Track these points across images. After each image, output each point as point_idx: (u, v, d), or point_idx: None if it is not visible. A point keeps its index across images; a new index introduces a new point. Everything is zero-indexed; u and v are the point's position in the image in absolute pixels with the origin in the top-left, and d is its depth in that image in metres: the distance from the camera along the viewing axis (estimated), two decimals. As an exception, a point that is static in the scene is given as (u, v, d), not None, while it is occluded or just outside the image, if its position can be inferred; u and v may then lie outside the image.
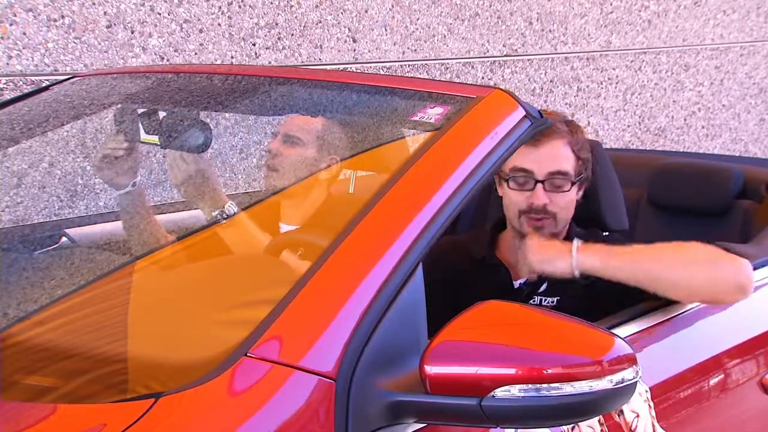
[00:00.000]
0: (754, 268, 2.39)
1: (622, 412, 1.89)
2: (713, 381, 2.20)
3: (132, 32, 3.65)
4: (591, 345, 1.56)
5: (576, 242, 2.17)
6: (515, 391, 1.50)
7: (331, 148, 2.45)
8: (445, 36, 4.81)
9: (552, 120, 2.32)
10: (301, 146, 2.45)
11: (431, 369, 1.51)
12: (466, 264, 2.48)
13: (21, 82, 3.37)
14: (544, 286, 2.37)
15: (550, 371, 1.50)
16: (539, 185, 2.32)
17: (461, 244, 2.56)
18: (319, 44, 4.27)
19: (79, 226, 2.83)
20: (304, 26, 4.21)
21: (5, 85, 3.34)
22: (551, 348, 1.53)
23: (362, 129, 2.36)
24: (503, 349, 1.53)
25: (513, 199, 2.35)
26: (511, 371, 1.50)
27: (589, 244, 2.17)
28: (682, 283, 2.12)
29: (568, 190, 2.34)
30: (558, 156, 2.33)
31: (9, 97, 3.05)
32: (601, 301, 2.24)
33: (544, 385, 1.50)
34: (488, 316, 1.59)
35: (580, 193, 2.40)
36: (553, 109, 2.39)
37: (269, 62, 4.09)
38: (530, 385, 1.50)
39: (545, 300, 2.38)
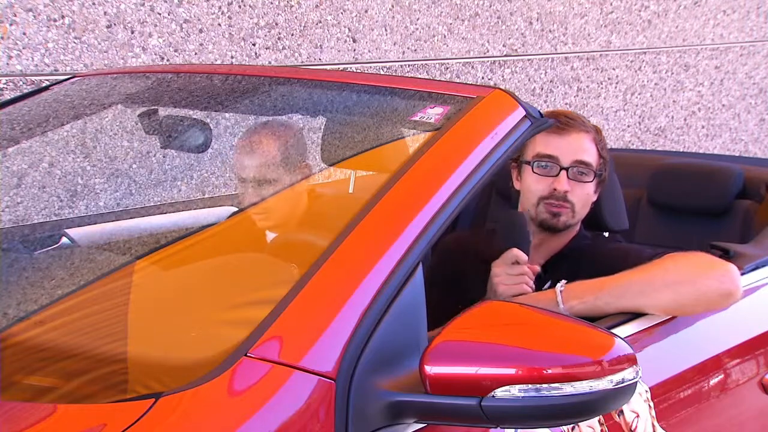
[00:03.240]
0: (755, 268, 2.40)
1: (622, 412, 1.89)
2: (713, 381, 2.20)
3: (132, 32, 3.65)
4: (591, 345, 1.56)
5: (558, 288, 2.13)
6: (515, 391, 1.50)
7: (298, 157, 2.43)
8: (445, 36, 4.81)
9: (577, 117, 2.40)
10: (276, 184, 2.39)
11: (431, 369, 1.51)
12: (471, 262, 2.48)
13: (21, 82, 3.37)
14: (548, 285, 2.38)
15: (550, 371, 1.50)
16: (563, 172, 2.34)
17: (467, 242, 2.57)
18: (319, 44, 4.27)
19: (79, 226, 2.83)
20: (304, 26, 4.21)
21: (5, 85, 3.34)
22: (551, 348, 1.53)
23: (362, 129, 2.36)
24: (503, 349, 1.53)
25: (533, 186, 2.38)
26: (511, 371, 1.50)
27: (571, 287, 2.12)
28: (669, 306, 2.11)
29: (590, 182, 2.37)
30: (583, 147, 2.36)
31: (9, 97, 3.05)
32: None
33: (544, 385, 1.50)
34: (488, 316, 1.59)
35: (596, 194, 2.43)
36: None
37: (269, 62, 4.09)
38: (530, 385, 1.50)
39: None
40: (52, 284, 2.12)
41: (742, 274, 2.32)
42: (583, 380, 1.51)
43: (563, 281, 2.16)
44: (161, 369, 1.60)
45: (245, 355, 1.48)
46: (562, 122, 2.35)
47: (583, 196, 2.37)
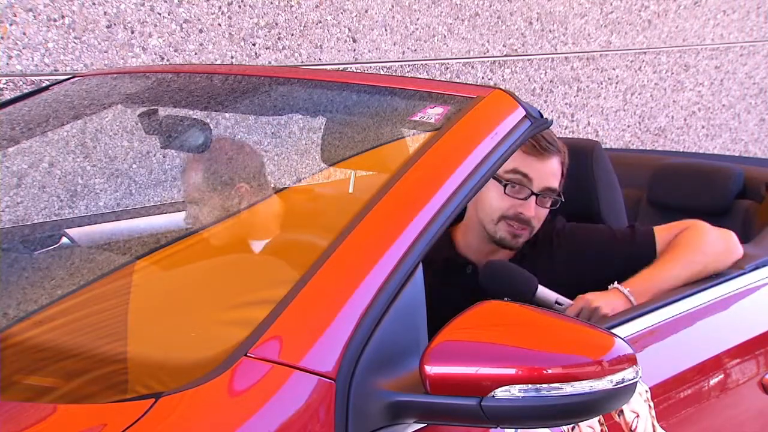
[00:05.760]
0: (755, 268, 2.41)
1: (622, 412, 1.89)
2: (713, 381, 2.21)
3: (132, 32, 3.65)
4: (591, 345, 1.55)
5: (620, 287, 2.23)
6: (515, 391, 1.50)
7: (234, 179, 2.40)
8: (445, 36, 4.81)
9: (554, 138, 2.38)
10: (204, 205, 2.38)
11: (431, 369, 1.51)
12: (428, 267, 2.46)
13: (21, 82, 3.37)
14: None
15: (550, 371, 1.50)
16: (533, 198, 2.33)
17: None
18: (319, 44, 4.27)
19: (79, 226, 2.83)
20: (304, 26, 4.21)
21: (5, 85, 3.34)
22: (551, 348, 1.53)
23: (362, 129, 2.35)
24: (503, 349, 1.53)
25: (497, 201, 2.35)
26: (511, 371, 1.50)
27: (634, 286, 2.24)
28: (698, 276, 2.28)
29: (550, 206, 2.38)
30: (555, 173, 2.37)
31: (9, 97, 3.05)
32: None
33: (544, 386, 1.50)
34: (488, 316, 1.59)
35: None
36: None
37: (269, 62, 4.09)
38: (530, 385, 1.50)
39: None
40: (52, 284, 2.12)
41: (743, 274, 2.34)
42: (583, 380, 1.51)
43: (615, 282, 2.23)
44: (161, 369, 1.60)
45: (245, 355, 1.48)
46: (542, 146, 2.33)
47: (542, 217, 2.38)
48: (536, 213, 2.35)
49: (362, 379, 1.51)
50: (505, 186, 2.33)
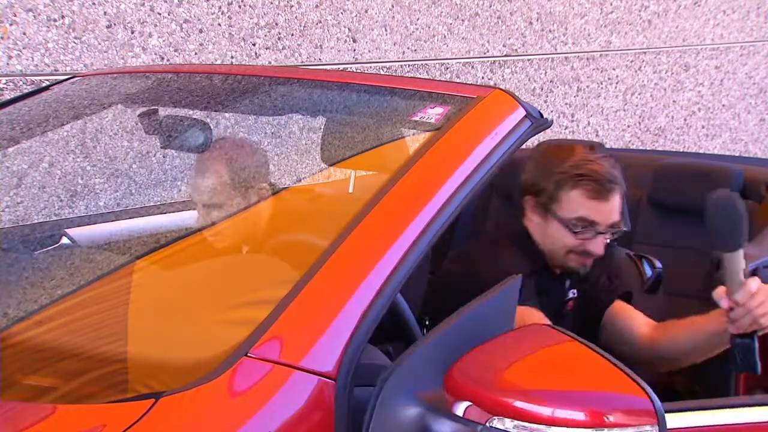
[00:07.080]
0: (755, 269, 2.40)
1: None
2: None
3: (132, 32, 3.65)
4: (610, 387, 1.48)
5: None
6: (509, 424, 1.45)
7: (253, 181, 2.40)
8: (445, 36, 4.81)
9: (614, 175, 2.37)
10: (225, 208, 2.37)
11: (452, 383, 1.49)
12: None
13: (21, 82, 3.37)
14: (568, 282, 2.48)
15: (545, 412, 1.44)
16: (600, 236, 2.37)
17: (472, 261, 2.50)
18: (319, 44, 4.27)
19: (79, 226, 2.83)
20: (304, 26, 4.21)
21: (5, 85, 3.34)
22: (571, 387, 1.48)
23: (362, 129, 2.36)
24: (513, 380, 1.48)
25: (565, 239, 2.39)
26: (514, 403, 1.46)
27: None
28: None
29: (614, 235, 2.43)
30: (617, 208, 2.40)
31: (9, 97, 3.05)
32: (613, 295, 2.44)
33: (535, 425, 1.44)
34: (525, 341, 1.55)
35: None
36: (599, 155, 2.41)
37: (269, 62, 4.09)
38: (537, 425, 1.44)
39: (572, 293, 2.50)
40: (52, 284, 2.12)
41: None
42: (581, 429, 1.44)
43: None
44: (161, 369, 1.60)
45: (245, 355, 1.48)
46: (606, 188, 2.35)
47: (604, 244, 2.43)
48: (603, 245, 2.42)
49: (396, 383, 1.47)
50: (570, 226, 2.37)
